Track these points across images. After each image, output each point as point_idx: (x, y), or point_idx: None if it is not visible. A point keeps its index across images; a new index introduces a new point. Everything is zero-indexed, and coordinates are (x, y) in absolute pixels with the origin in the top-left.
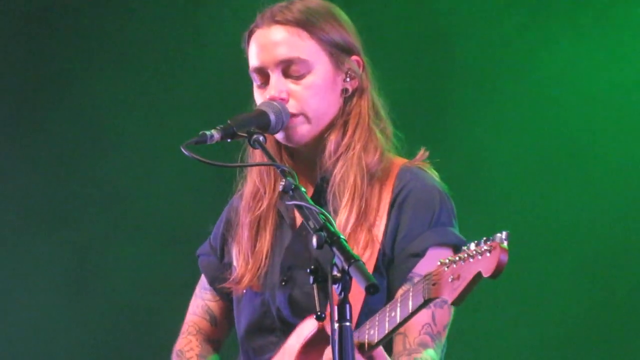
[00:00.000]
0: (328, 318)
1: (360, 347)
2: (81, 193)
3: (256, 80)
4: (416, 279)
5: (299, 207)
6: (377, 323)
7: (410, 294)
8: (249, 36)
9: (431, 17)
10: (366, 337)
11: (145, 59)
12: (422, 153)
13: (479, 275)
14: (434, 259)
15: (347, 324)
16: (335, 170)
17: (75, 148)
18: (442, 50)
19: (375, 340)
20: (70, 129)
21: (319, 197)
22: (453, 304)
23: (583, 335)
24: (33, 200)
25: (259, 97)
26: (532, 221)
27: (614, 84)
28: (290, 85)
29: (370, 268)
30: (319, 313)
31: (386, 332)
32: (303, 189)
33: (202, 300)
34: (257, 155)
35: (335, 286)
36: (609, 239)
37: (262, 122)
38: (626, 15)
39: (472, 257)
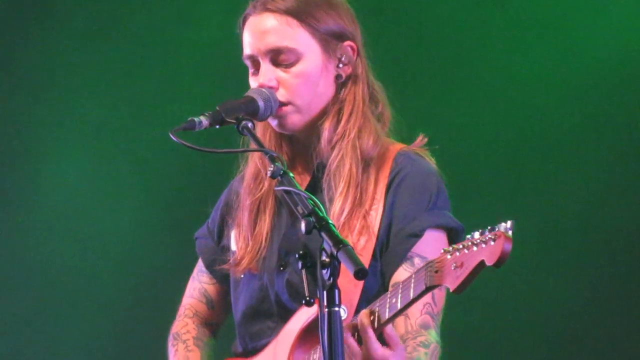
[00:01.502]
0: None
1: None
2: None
3: (249, 67)
4: (415, 259)
5: (288, 193)
6: (377, 309)
7: (412, 281)
8: (243, 23)
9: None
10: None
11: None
12: (421, 139)
13: (482, 263)
14: (431, 241)
15: (336, 309)
16: (331, 159)
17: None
18: (414, 37)
19: (375, 326)
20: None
21: (316, 184)
22: (455, 292)
23: (576, 331)
24: None
25: (253, 84)
26: (511, 210)
27: (593, 69)
28: (279, 73)
29: (368, 255)
30: (307, 298)
31: (387, 317)
32: (291, 174)
33: (199, 283)
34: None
35: (324, 271)
36: (594, 229)
37: (250, 109)
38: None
39: (476, 245)
